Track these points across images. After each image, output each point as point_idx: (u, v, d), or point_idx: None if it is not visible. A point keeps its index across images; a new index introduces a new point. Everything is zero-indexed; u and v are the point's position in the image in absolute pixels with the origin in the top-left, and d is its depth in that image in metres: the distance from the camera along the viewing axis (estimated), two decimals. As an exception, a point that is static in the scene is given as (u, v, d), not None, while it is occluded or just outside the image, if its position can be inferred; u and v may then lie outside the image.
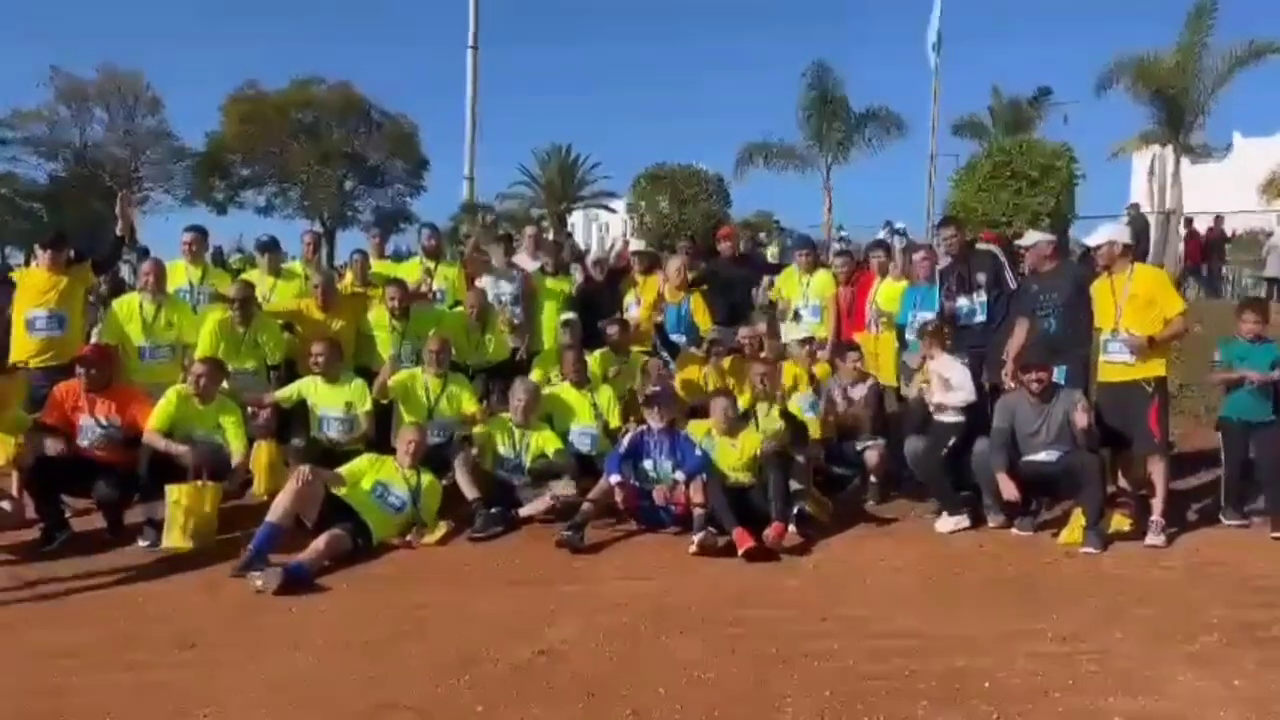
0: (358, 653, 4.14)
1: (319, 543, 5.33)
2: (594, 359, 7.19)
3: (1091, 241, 7.25)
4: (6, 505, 5.61)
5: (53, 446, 5.69)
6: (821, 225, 26.61)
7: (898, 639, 4.33)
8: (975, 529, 6.18)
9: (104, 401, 6.00)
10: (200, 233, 7.64)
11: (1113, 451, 6.14)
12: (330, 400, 6.64)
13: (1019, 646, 4.22)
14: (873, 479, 6.76)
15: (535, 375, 7.15)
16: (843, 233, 23.27)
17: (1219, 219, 19.03)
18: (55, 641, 4.25)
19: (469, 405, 6.77)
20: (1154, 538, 5.74)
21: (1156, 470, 5.86)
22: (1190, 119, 20.44)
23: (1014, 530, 6.09)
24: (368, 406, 6.67)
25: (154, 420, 5.92)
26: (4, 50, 59.92)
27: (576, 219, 36.99)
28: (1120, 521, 5.93)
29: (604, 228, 35.83)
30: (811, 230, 24.06)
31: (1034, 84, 30.18)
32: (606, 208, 35.52)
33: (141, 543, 5.67)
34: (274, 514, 5.37)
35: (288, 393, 6.66)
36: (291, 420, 6.79)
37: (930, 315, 6.91)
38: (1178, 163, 20.92)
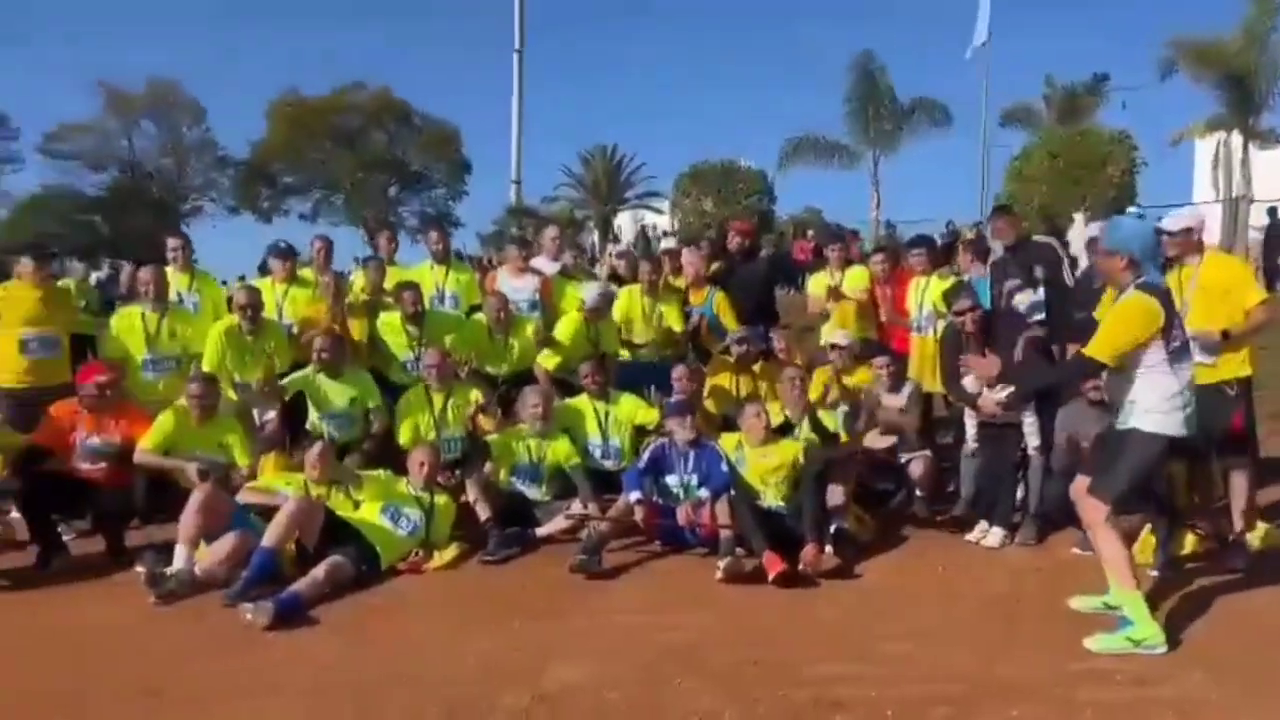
0: (336, 701, 3.75)
1: (319, 571, 4.96)
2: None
3: (1168, 225, 5.95)
4: None
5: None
6: (870, 220, 25.99)
7: (944, 683, 3.84)
8: (1031, 548, 5.66)
9: (104, 420, 5.73)
10: (185, 240, 7.54)
11: (1187, 465, 5.51)
12: (332, 395, 6.37)
13: (1085, 692, 3.70)
14: (918, 493, 6.22)
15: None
16: (892, 229, 22.61)
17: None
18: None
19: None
20: (1235, 559, 5.14)
21: (1239, 483, 5.24)
22: (1259, 103, 19.46)
23: (1075, 550, 5.54)
24: (376, 402, 6.43)
25: (147, 439, 5.63)
26: (46, 62, 60.70)
27: (623, 220, 36.55)
28: (1193, 542, 5.32)
29: (652, 228, 35.28)
30: (860, 226, 23.43)
31: (1090, 71, 29.14)
32: (653, 208, 35.01)
33: (138, 568, 5.34)
34: (270, 538, 5.00)
35: (288, 383, 6.40)
36: (301, 432, 6.48)
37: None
38: (1246, 148, 19.92)
